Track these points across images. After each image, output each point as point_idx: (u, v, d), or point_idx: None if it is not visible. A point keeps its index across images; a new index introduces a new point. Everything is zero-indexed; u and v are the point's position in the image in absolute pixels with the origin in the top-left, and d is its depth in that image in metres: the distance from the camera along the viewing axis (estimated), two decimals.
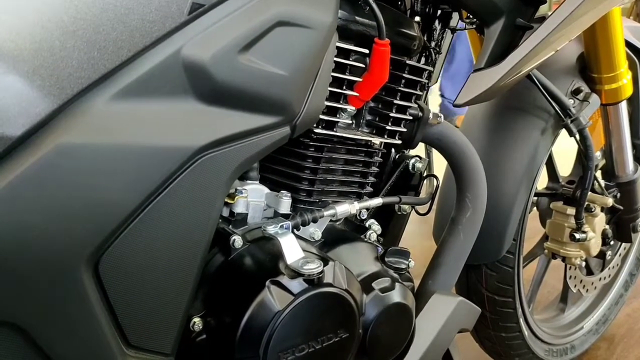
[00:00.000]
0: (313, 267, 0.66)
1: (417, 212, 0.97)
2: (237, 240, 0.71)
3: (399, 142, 0.86)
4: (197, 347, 0.68)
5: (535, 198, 1.35)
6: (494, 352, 1.30)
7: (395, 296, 0.77)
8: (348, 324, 0.71)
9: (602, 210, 1.28)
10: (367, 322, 0.74)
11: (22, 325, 0.51)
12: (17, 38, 0.49)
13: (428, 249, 1.17)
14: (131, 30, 0.53)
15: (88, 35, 0.51)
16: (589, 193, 1.19)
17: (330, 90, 0.73)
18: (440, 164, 1.11)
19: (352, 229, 0.89)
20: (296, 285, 0.66)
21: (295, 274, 0.66)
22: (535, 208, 1.37)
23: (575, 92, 1.14)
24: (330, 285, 0.68)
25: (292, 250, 0.68)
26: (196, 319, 0.68)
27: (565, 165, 1.38)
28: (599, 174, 1.38)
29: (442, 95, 3.38)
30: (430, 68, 0.88)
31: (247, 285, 0.67)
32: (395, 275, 0.81)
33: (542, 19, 0.85)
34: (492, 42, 0.83)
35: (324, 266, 0.67)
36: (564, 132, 1.13)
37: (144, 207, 0.56)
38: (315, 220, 0.75)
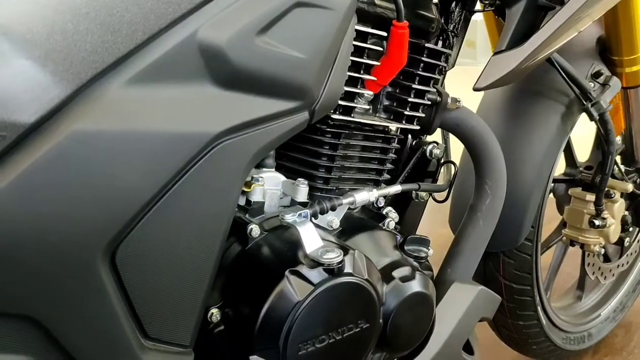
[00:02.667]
0: (333, 256, 0.65)
1: (434, 199, 0.95)
2: (255, 229, 0.69)
3: (417, 127, 0.84)
4: (214, 338, 0.67)
5: (552, 184, 1.33)
6: (511, 341, 1.28)
7: (416, 285, 0.75)
8: (368, 314, 0.69)
9: (621, 196, 1.26)
10: (388, 312, 0.72)
11: (38, 317, 0.50)
12: (29, 21, 0.47)
13: (442, 236, 1.15)
14: (146, 12, 0.51)
15: (101, 17, 0.49)
16: (609, 179, 1.16)
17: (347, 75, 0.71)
18: (456, 150, 1.08)
19: (370, 217, 0.87)
20: (316, 275, 0.64)
21: (314, 263, 0.65)
22: (551, 194, 1.35)
23: (596, 75, 1.11)
24: (350, 274, 0.66)
25: (311, 239, 0.66)
26: (214, 310, 0.67)
27: (580, 151, 1.35)
28: (618, 159, 1.35)
29: None
30: (449, 51, 0.86)
31: (266, 275, 0.66)
32: (415, 264, 0.79)
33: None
34: (514, 23, 0.80)
35: (343, 255, 0.66)
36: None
37: (160, 195, 0.54)
38: (333, 209, 0.74)
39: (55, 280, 0.50)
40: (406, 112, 0.81)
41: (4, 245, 0.47)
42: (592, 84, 1.09)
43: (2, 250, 0.47)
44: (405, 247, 0.80)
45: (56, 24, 0.48)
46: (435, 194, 0.94)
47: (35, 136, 0.47)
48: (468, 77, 1.26)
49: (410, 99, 0.81)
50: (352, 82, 0.73)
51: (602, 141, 1.12)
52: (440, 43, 0.92)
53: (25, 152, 0.47)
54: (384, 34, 0.74)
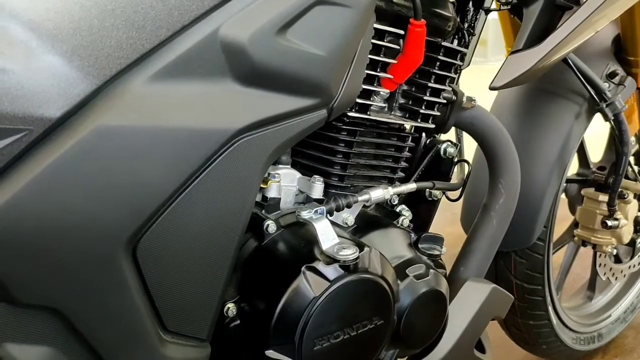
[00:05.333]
0: (349, 253, 0.65)
1: (448, 197, 0.96)
2: (271, 226, 0.70)
3: (432, 126, 0.84)
4: (231, 332, 0.67)
5: (565, 184, 1.33)
6: (521, 340, 1.28)
7: (430, 283, 0.75)
8: (383, 310, 0.70)
9: (635, 197, 1.25)
10: (402, 309, 0.73)
11: (62, 310, 0.51)
12: (56, 17, 0.48)
13: (451, 235, 1.14)
14: (170, 8, 0.51)
15: (127, 14, 0.50)
16: (622, 179, 1.16)
17: None
18: (469, 149, 1.08)
19: (384, 215, 0.88)
20: (332, 271, 0.65)
21: (330, 259, 0.65)
22: (563, 194, 1.35)
23: (611, 76, 1.11)
24: (366, 271, 0.67)
25: (327, 235, 0.67)
26: (230, 305, 0.67)
27: (592, 151, 1.34)
28: (632, 159, 1.35)
29: None
30: (465, 50, 0.86)
31: (282, 271, 0.66)
32: (429, 261, 0.80)
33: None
34: (531, 22, 0.80)
35: (359, 252, 0.66)
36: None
37: (181, 190, 0.55)
38: (349, 206, 0.74)
39: (78, 273, 0.51)
40: (422, 111, 0.81)
41: (30, 238, 0.48)
42: (607, 84, 1.09)
43: (28, 243, 0.48)
44: (419, 245, 0.81)
45: (83, 20, 0.49)
46: (449, 193, 0.95)
47: (60, 131, 0.48)
48: (479, 75, 1.26)
49: (426, 98, 0.81)
50: (368, 80, 0.73)
51: (616, 141, 1.12)
52: (456, 42, 0.92)
53: (51, 146, 0.48)
54: (401, 32, 0.74)
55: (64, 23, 0.48)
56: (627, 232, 1.25)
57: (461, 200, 1.09)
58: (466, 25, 0.92)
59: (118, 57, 0.50)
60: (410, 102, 0.82)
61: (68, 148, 0.48)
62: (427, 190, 0.92)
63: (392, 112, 0.82)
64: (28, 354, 0.51)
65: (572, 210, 1.36)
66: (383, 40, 0.73)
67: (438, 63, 0.81)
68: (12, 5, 0.47)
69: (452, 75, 0.84)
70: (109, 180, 0.50)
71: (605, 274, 1.38)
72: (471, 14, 0.92)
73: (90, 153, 0.49)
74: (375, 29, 0.71)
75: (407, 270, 0.75)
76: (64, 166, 0.48)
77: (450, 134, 0.96)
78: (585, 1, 0.81)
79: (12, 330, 0.50)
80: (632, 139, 1.33)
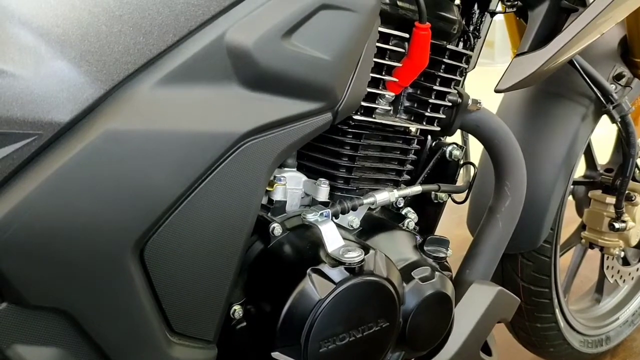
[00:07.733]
0: (354, 255, 0.66)
1: (453, 200, 0.96)
2: (277, 228, 0.70)
3: (438, 128, 0.84)
4: (237, 334, 0.68)
5: (572, 186, 1.32)
6: (528, 343, 1.28)
7: (435, 285, 0.76)
8: (388, 313, 0.70)
9: None
10: (407, 311, 0.73)
11: (70, 311, 0.52)
12: (64, 23, 0.49)
13: (457, 237, 1.15)
14: (176, 14, 0.52)
15: (134, 19, 0.51)
16: (630, 181, 1.16)
17: None
18: (475, 151, 1.08)
19: (389, 218, 0.88)
20: (337, 273, 0.65)
21: (336, 262, 0.66)
22: (570, 196, 1.34)
23: (617, 78, 1.10)
24: (371, 273, 0.67)
25: (332, 238, 0.67)
26: (236, 307, 0.68)
27: (599, 153, 1.34)
28: (639, 161, 1.34)
29: None
30: (470, 52, 0.86)
31: (288, 273, 0.66)
32: (435, 264, 0.80)
33: (584, 1, 0.83)
34: (537, 25, 0.80)
35: (364, 255, 0.66)
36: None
37: (188, 193, 0.55)
38: (354, 208, 0.74)
39: (87, 275, 0.51)
40: (427, 114, 0.81)
41: (39, 241, 0.48)
42: (614, 86, 1.08)
43: (37, 245, 0.48)
44: (425, 248, 0.81)
45: (91, 26, 0.49)
46: (455, 195, 0.95)
47: (69, 135, 0.49)
48: (486, 77, 1.26)
49: (431, 100, 0.81)
50: (373, 83, 0.74)
51: (623, 143, 1.12)
52: (461, 44, 0.92)
53: (60, 151, 0.48)
54: (406, 35, 0.74)
55: (72, 29, 0.49)
56: (635, 235, 1.25)
57: (467, 202, 1.09)
58: (471, 27, 0.92)
59: (125, 62, 0.50)
60: (415, 105, 0.83)
61: (77, 152, 0.48)
62: (433, 192, 0.92)
63: (398, 115, 0.82)
64: (37, 355, 0.52)
65: (580, 212, 1.35)
66: (388, 44, 0.74)
67: (443, 66, 0.82)
68: (22, 12, 0.48)
69: (458, 78, 0.84)
70: (116, 184, 0.51)
71: (613, 276, 1.37)
72: (476, 16, 0.93)
73: (98, 157, 0.49)
74: (380, 32, 0.71)
75: (412, 273, 0.75)
76: (73, 170, 0.49)
77: (456, 137, 0.96)
78: (591, 3, 0.81)
79: (21, 332, 0.51)
80: (639, 141, 1.32)
